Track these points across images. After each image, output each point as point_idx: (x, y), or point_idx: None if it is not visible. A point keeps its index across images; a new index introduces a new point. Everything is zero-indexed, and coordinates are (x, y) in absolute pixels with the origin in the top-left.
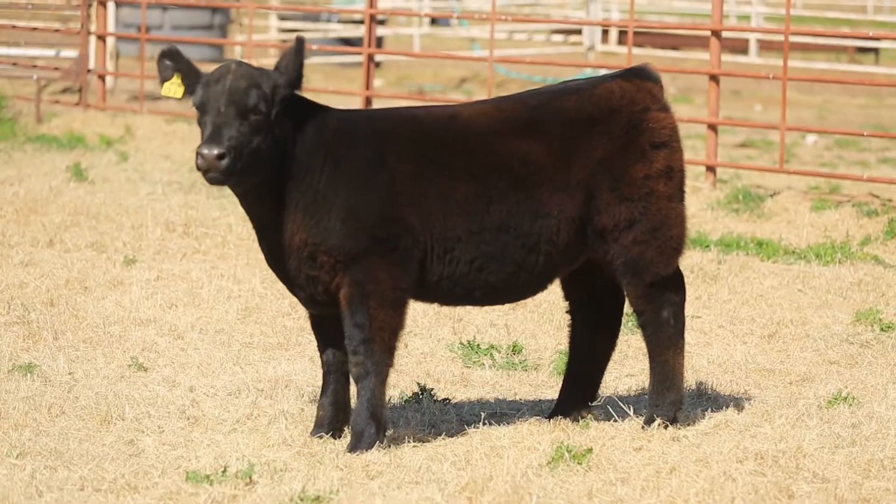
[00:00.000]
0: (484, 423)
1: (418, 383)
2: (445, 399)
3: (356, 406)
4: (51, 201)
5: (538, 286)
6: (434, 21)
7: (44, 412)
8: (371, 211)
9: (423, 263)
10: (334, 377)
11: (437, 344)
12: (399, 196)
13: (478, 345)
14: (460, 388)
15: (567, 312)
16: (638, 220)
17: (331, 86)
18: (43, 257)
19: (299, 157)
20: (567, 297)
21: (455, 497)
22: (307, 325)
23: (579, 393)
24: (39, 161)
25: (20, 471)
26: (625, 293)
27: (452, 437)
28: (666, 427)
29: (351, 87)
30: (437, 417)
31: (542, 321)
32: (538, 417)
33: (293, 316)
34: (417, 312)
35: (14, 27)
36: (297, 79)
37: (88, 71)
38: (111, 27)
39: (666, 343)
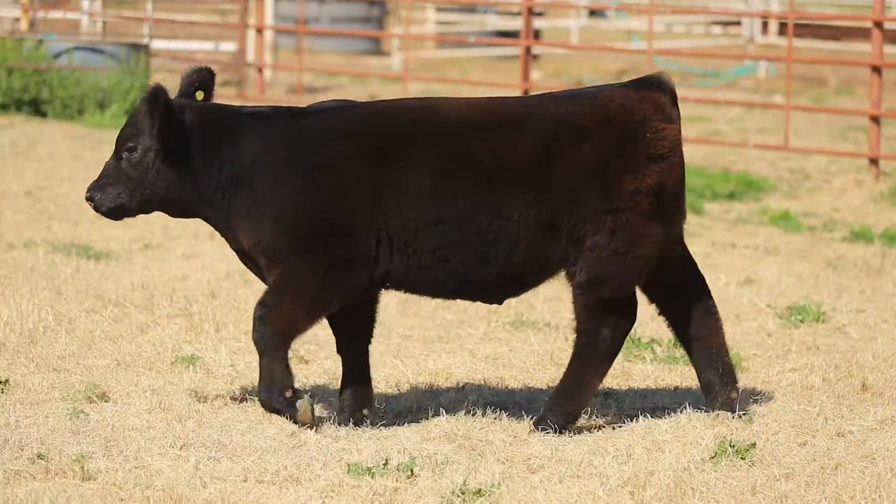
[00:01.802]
0: (645, 418)
1: None
2: (606, 393)
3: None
4: None
5: (513, 283)
6: (592, 13)
7: (207, 403)
8: (309, 211)
9: (380, 258)
10: (349, 365)
11: None
12: (342, 196)
13: (639, 339)
14: (621, 381)
15: (659, 315)
16: (618, 233)
17: (488, 78)
18: (204, 250)
19: (238, 171)
20: (650, 300)
21: (617, 491)
22: (466, 317)
23: (717, 378)
24: None
25: (184, 462)
26: (573, 305)
27: (614, 431)
28: (544, 431)
29: (508, 79)
30: (599, 412)
31: None
32: (700, 412)
33: (452, 309)
34: None
35: (173, 21)
36: (156, 136)
37: (247, 64)
38: (269, 20)
39: (591, 358)
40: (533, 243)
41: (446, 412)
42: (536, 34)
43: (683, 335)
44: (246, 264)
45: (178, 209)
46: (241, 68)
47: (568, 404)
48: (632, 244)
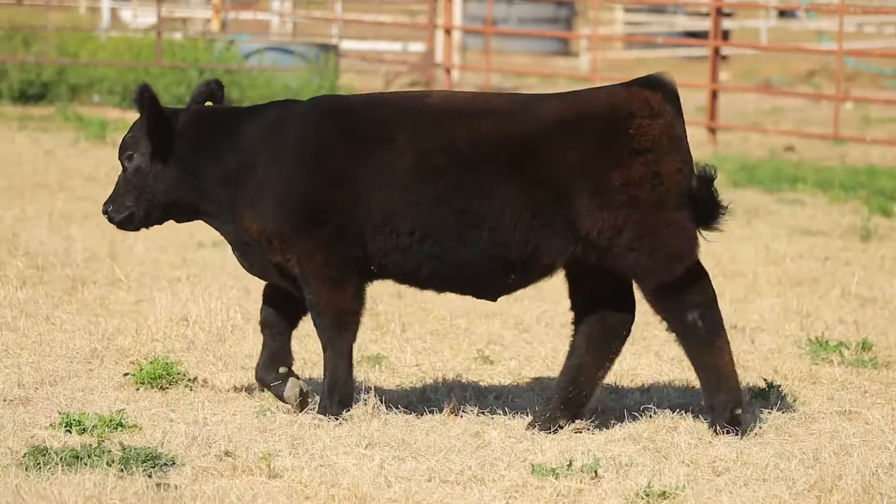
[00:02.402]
0: (832, 421)
1: (765, 379)
2: (794, 396)
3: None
4: None
5: (496, 273)
6: (782, 13)
7: (392, 403)
8: (300, 193)
9: (364, 238)
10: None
11: (784, 340)
12: (329, 176)
13: (826, 341)
14: (808, 385)
15: None
16: (624, 228)
17: (676, 78)
18: None
19: (237, 164)
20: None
21: (803, 496)
22: (653, 319)
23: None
24: None
25: (369, 461)
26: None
27: (800, 434)
28: (726, 432)
29: (697, 80)
30: (785, 414)
31: (893, 318)
32: (888, 415)
33: (639, 310)
34: (764, 308)
35: (362, 22)
36: (146, 134)
37: (435, 64)
38: (458, 21)
39: (699, 346)
40: (518, 232)
41: (631, 414)
42: (725, 35)
43: (577, 338)
44: (244, 262)
45: (181, 211)
46: (429, 69)
47: (718, 396)
48: (646, 237)
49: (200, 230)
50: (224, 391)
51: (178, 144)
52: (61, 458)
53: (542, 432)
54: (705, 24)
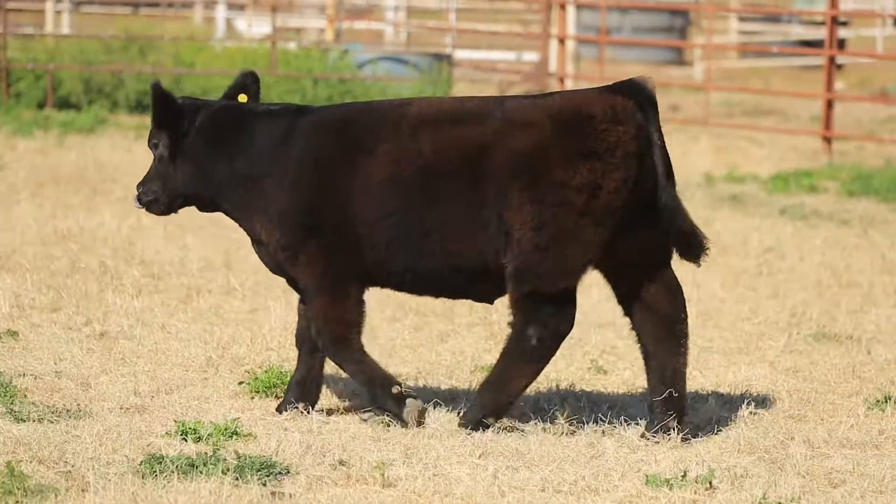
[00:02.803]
0: None
1: (881, 390)
2: None
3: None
4: None
5: (462, 279)
6: None
7: (508, 412)
8: (299, 204)
9: (356, 248)
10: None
11: None
12: (320, 187)
13: None
14: None
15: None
16: (544, 227)
17: (791, 88)
18: None
19: (251, 166)
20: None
21: None
22: (767, 329)
23: (659, 402)
24: None
25: (483, 470)
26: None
27: None
28: (468, 428)
29: (812, 89)
30: None
31: None
32: None
33: (753, 321)
34: (880, 318)
35: (476, 31)
36: (164, 128)
37: (548, 74)
38: (571, 30)
39: (514, 355)
40: (468, 238)
41: (746, 424)
42: (841, 44)
43: (645, 353)
44: (261, 258)
45: (201, 203)
46: (542, 78)
47: (487, 398)
48: (555, 240)
49: None
50: (338, 400)
51: (196, 140)
52: (177, 467)
53: (656, 442)
54: (820, 33)
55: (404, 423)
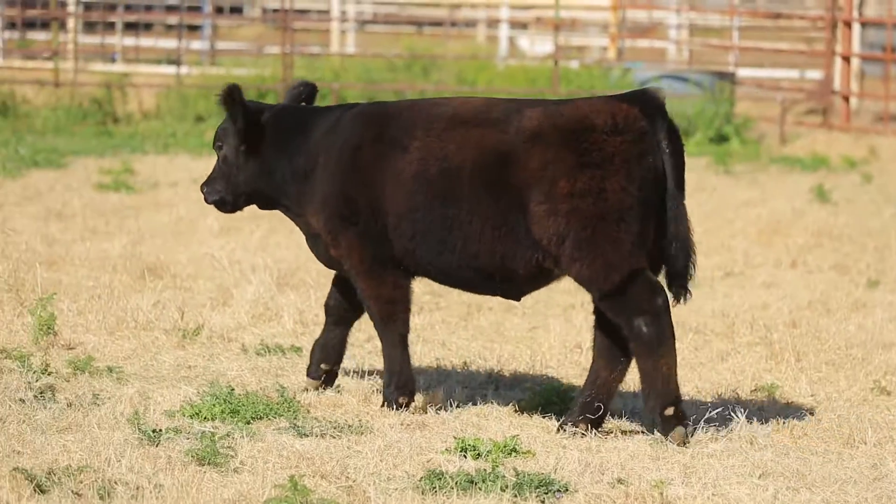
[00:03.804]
0: None
1: None
2: None
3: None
4: (794, 222)
5: (482, 276)
6: None
7: (786, 433)
8: (337, 193)
9: (387, 237)
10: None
11: None
12: (355, 178)
13: None
14: None
15: None
16: (567, 237)
17: None
18: (785, 278)
19: (305, 162)
20: None
21: None
22: None
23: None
24: (782, 182)
25: (763, 491)
26: None
27: None
28: (657, 430)
29: None
30: None
31: None
32: None
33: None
34: None
35: (760, 49)
36: (237, 132)
37: (832, 92)
38: (856, 48)
39: (643, 351)
40: (491, 239)
41: None
42: None
43: (593, 354)
44: (313, 250)
45: (263, 201)
46: (826, 96)
47: (650, 401)
48: (583, 248)
49: None
50: (617, 418)
51: (260, 140)
52: (456, 483)
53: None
54: None
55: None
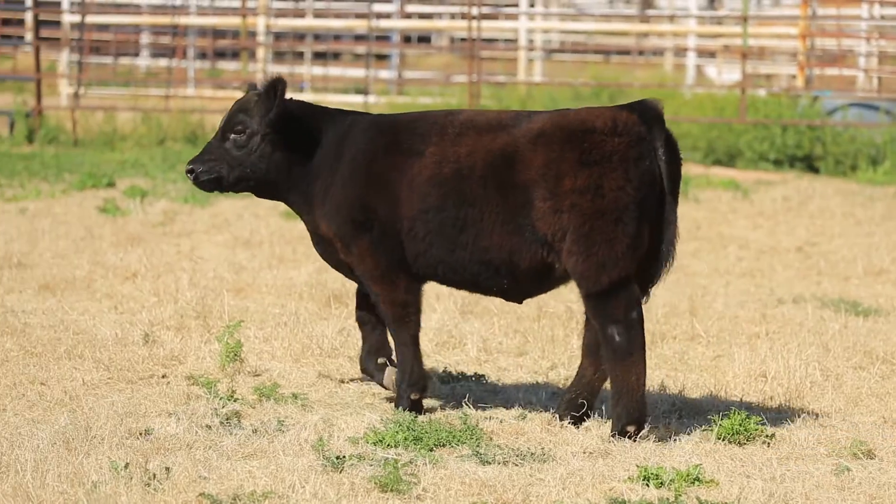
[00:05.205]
0: None
1: None
2: None
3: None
4: None
5: (490, 277)
6: None
7: None
8: (351, 199)
9: (400, 241)
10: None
11: None
12: (371, 184)
13: None
14: None
15: None
16: (567, 232)
17: None
18: None
19: (317, 162)
20: None
21: None
22: None
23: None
24: None
25: None
26: None
27: None
28: (616, 439)
29: None
30: None
31: None
32: None
33: None
34: None
35: None
36: (268, 123)
37: None
38: None
39: (612, 357)
40: (502, 238)
41: None
42: None
43: (582, 353)
44: (319, 251)
45: (270, 191)
46: None
47: (618, 407)
48: (582, 243)
49: (782, 287)
50: (802, 448)
51: (285, 133)
52: None
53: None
54: None
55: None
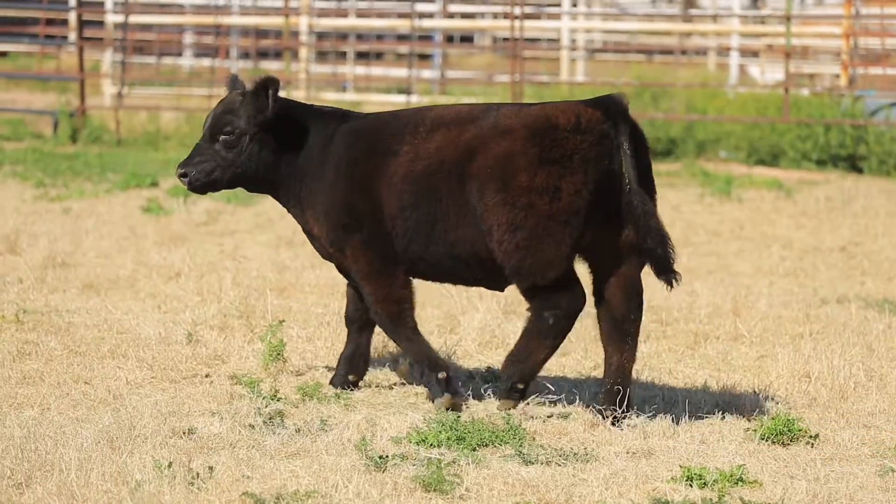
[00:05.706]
0: None
1: None
2: None
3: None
4: None
5: (463, 265)
6: None
7: None
8: (338, 203)
9: (388, 240)
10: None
11: None
12: (355, 186)
13: None
14: None
15: None
16: (520, 228)
17: None
18: None
19: (303, 163)
20: None
21: None
22: None
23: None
24: None
25: None
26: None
27: None
28: (503, 398)
29: None
30: None
31: None
32: None
33: None
34: None
35: None
36: (258, 123)
37: None
38: None
39: (536, 332)
40: (462, 230)
41: None
42: None
43: (603, 345)
44: (314, 246)
45: (262, 189)
46: None
47: (513, 369)
48: (532, 241)
49: (825, 287)
50: (846, 449)
51: (276, 134)
52: None
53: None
54: None
55: (436, 406)
